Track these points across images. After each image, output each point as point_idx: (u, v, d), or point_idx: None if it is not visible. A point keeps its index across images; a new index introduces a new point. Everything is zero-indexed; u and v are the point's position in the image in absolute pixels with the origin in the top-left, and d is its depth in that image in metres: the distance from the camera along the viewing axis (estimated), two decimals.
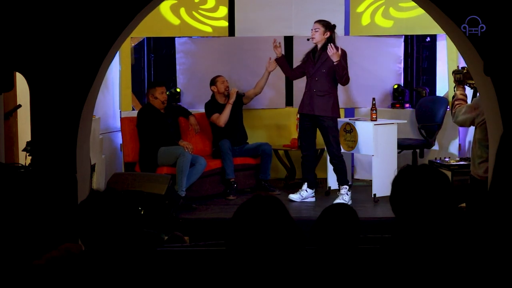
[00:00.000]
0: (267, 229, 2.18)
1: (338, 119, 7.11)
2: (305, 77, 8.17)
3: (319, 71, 6.92)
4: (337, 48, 6.71)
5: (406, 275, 2.35)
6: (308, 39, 7.05)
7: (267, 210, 2.22)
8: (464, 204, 5.03)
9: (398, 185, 2.47)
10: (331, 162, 7.07)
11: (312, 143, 7.12)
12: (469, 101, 5.35)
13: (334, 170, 7.06)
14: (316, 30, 6.94)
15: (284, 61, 7.27)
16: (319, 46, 6.97)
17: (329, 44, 6.74)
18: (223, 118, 7.54)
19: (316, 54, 6.98)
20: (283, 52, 7.24)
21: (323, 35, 6.92)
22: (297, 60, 8.34)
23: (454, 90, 5.34)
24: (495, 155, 2.72)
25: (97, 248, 2.48)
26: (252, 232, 2.17)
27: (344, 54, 6.87)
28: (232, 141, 7.54)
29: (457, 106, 5.13)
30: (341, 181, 7.01)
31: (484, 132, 4.81)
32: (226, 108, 7.55)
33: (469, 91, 5.53)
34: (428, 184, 2.42)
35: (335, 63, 6.71)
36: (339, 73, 6.76)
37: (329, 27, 6.95)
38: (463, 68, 5.42)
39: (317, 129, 7.07)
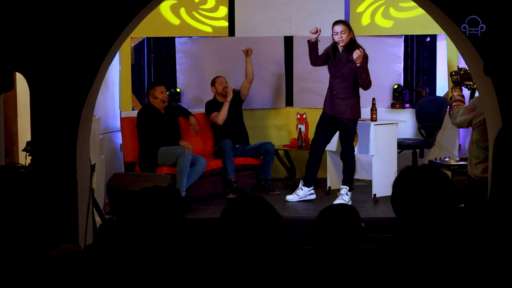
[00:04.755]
0: (253, 229, 2.18)
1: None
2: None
3: (340, 72, 6.83)
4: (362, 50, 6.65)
5: (407, 275, 2.35)
6: (336, 42, 6.87)
7: (251, 211, 2.23)
8: (462, 205, 5.03)
9: (399, 185, 2.47)
10: (342, 160, 7.07)
11: (324, 141, 7.07)
12: (466, 101, 5.35)
13: (343, 169, 7.05)
14: (343, 32, 6.81)
15: (315, 47, 6.99)
16: (341, 48, 6.87)
17: (359, 49, 6.61)
18: (221, 116, 7.59)
19: (339, 55, 6.88)
20: (316, 37, 6.92)
21: (349, 36, 6.84)
22: (297, 61, 8.37)
23: (452, 92, 5.34)
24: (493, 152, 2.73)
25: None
26: (239, 233, 2.17)
27: (366, 58, 6.80)
28: (233, 140, 7.57)
29: (455, 107, 5.13)
30: (345, 181, 7.00)
31: (482, 133, 4.81)
32: (224, 106, 7.60)
33: (467, 93, 5.54)
34: (429, 184, 2.42)
35: (357, 65, 6.65)
36: (361, 76, 6.71)
37: (350, 27, 6.92)
38: (460, 69, 5.43)
39: (333, 129, 7.05)
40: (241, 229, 2.20)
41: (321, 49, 7.02)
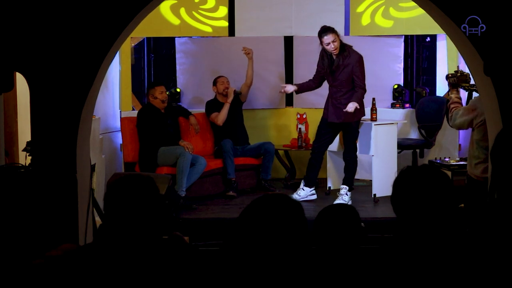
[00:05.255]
0: (282, 230, 2.16)
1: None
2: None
3: (339, 80, 6.83)
4: (350, 108, 6.70)
5: (407, 275, 2.35)
6: (334, 54, 6.82)
7: (284, 211, 2.20)
8: (462, 205, 5.03)
9: (400, 185, 2.47)
10: (344, 159, 7.07)
11: (326, 141, 7.09)
12: (464, 103, 5.36)
13: (344, 168, 7.05)
14: (335, 41, 6.75)
15: (302, 86, 7.16)
16: (334, 56, 6.84)
17: (351, 107, 6.66)
18: (221, 117, 7.60)
19: (334, 64, 6.83)
20: (292, 89, 7.19)
21: (339, 41, 6.80)
22: (297, 61, 8.37)
23: (449, 94, 5.35)
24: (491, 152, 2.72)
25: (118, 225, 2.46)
26: (265, 231, 2.16)
27: (361, 60, 6.81)
28: (233, 141, 7.57)
29: (453, 109, 5.14)
30: (345, 180, 7.00)
31: (482, 133, 4.81)
32: (224, 107, 7.61)
33: (464, 94, 5.55)
34: (430, 184, 2.42)
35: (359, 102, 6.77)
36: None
37: (337, 32, 6.85)
38: (456, 71, 5.44)
39: (336, 130, 7.08)
40: (262, 227, 2.17)
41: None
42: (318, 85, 7.14)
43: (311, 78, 7.13)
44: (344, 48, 6.81)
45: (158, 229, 2.55)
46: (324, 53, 6.88)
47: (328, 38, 6.76)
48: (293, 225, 2.18)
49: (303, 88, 7.17)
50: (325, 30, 6.80)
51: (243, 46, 7.77)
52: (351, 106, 6.68)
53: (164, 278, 2.46)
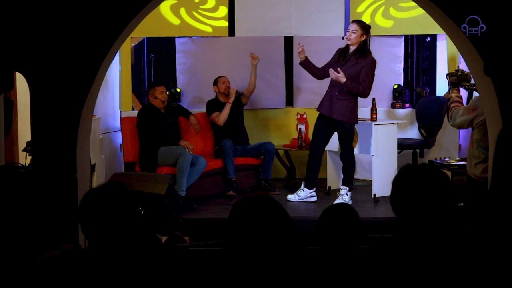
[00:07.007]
0: (264, 228, 2.18)
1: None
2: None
3: (346, 74, 6.74)
4: (337, 71, 6.63)
5: (407, 275, 2.35)
6: (342, 38, 6.92)
7: (263, 210, 2.22)
8: (462, 204, 5.02)
9: (399, 184, 2.47)
10: (341, 160, 7.06)
11: (322, 142, 7.03)
12: (464, 102, 5.35)
13: (342, 169, 7.04)
14: (354, 31, 6.75)
15: (309, 63, 7.01)
16: (351, 48, 6.83)
17: (330, 70, 6.63)
18: (222, 117, 7.59)
19: (346, 56, 6.83)
20: (303, 55, 6.93)
21: (360, 37, 6.77)
22: (297, 61, 8.34)
23: (449, 93, 5.34)
24: (493, 153, 2.72)
25: (98, 241, 2.47)
26: (248, 232, 2.17)
27: (373, 64, 6.78)
28: (233, 141, 7.57)
29: (453, 108, 5.13)
30: (344, 181, 6.98)
31: (483, 132, 4.81)
32: (226, 107, 7.60)
33: (465, 93, 5.54)
34: (429, 183, 2.42)
35: (342, 84, 6.66)
36: (351, 92, 6.73)
37: (366, 29, 6.81)
38: (456, 70, 5.43)
39: (331, 131, 7.03)
40: (250, 228, 2.19)
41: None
42: (321, 76, 7.03)
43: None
44: (365, 51, 6.79)
45: (143, 231, 2.54)
46: (345, 47, 6.91)
47: (350, 26, 6.87)
48: (276, 225, 2.19)
49: (309, 65, 7.01)
50: (356, 20, 7.06)
51: (251, 53, 7.75)
52: (336, 73, 6.62)
53: (157, 279, 2.47)
